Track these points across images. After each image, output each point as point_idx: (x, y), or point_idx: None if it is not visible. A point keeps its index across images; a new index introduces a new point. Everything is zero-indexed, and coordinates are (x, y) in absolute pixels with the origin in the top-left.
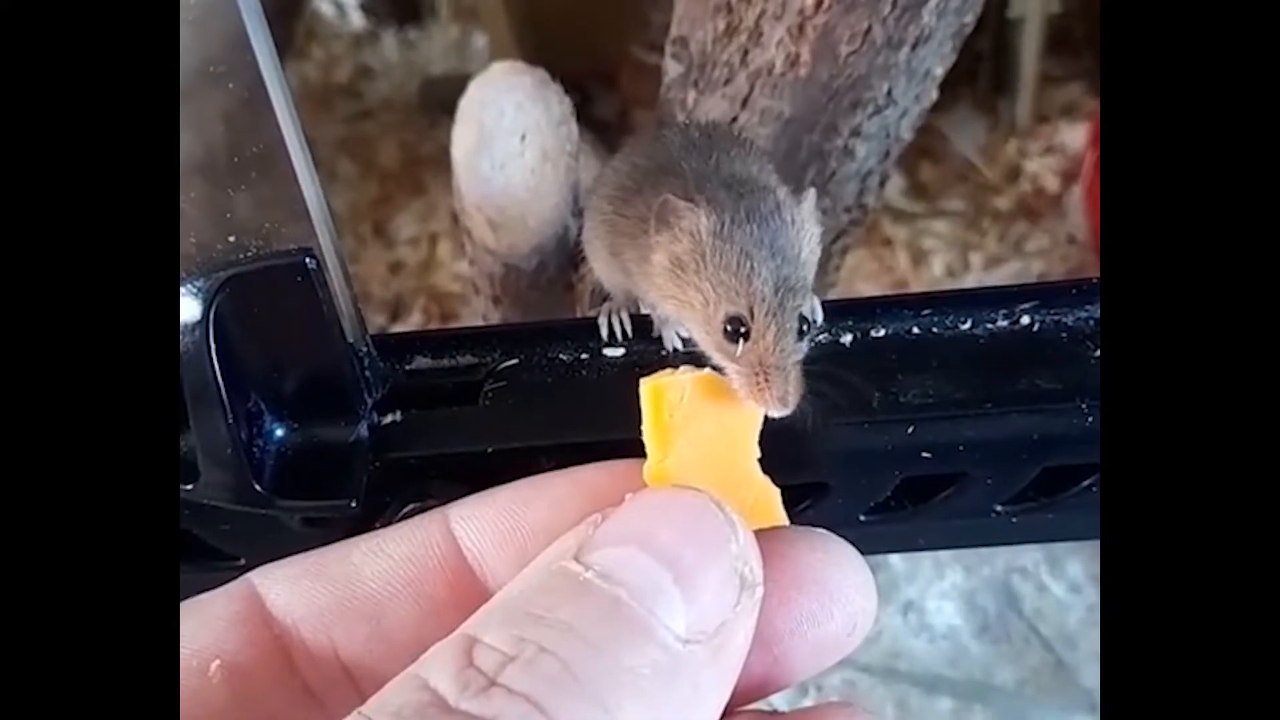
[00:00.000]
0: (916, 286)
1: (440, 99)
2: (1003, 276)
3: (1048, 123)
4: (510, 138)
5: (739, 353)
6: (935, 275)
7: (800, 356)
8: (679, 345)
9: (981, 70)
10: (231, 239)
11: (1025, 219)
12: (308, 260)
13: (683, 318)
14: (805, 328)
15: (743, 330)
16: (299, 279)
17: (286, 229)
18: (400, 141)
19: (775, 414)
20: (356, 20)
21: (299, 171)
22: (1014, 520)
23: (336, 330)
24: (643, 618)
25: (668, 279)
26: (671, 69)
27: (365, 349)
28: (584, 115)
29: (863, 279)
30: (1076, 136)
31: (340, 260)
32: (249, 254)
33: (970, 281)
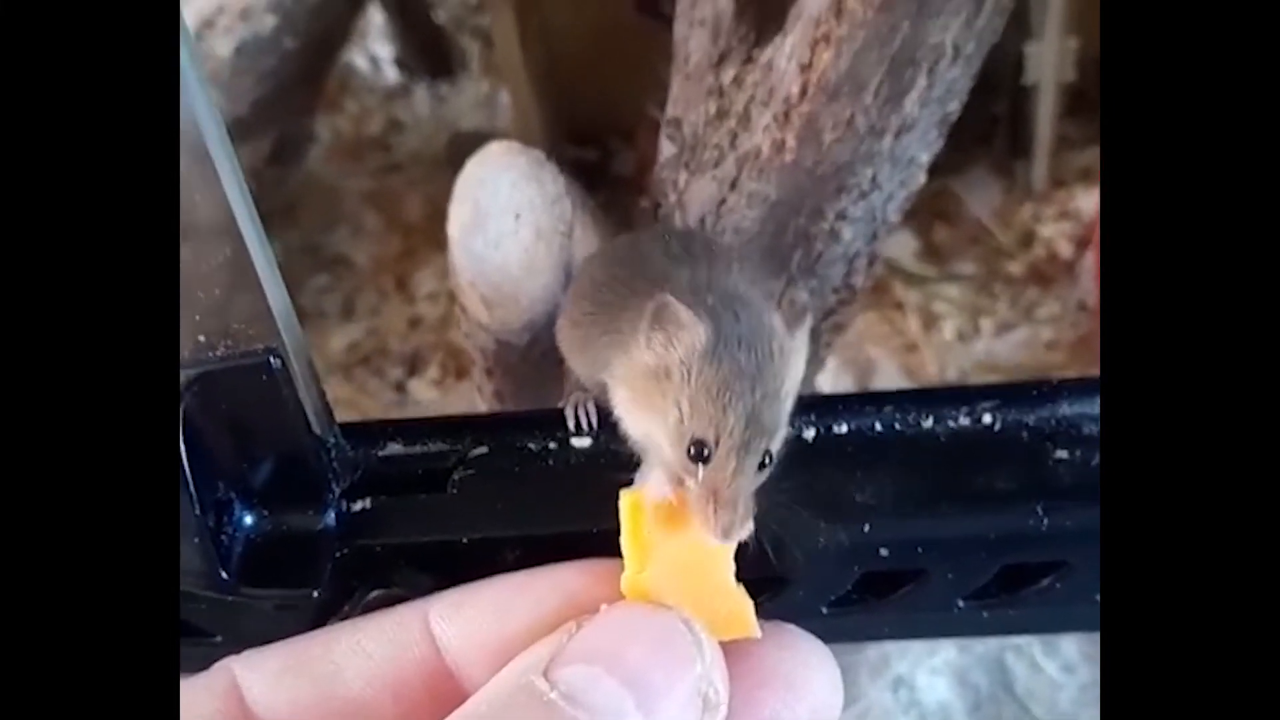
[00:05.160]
0: (927, 351)
1: (467, 154)
2: (1012, 343)
3: (1063, 187)
4: (505, 216)
5: (700, 475)
6: (946, 339)
7: (755, 487)
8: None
9: (998, 133)
10: (201, 339)
11: (1037, 284)
12: (271, 359)
13: (652, 428)
14: (767, 461)
15: (705, 454)
16: (264, 377)
17: (253, 329)
18: (426, 195)
19: (717, 543)
20: (390, 74)
21: (263, 280)
22: (980, 613)
23: (303, 423)
24: None
25: (651, 383)
26: (666, 149)
27: (333, 440)
28: (603, 171)
29: (872, 342)
30: (1091, 202)
31: (306, 357)
32: (218, 353)
33: (980, 347)
